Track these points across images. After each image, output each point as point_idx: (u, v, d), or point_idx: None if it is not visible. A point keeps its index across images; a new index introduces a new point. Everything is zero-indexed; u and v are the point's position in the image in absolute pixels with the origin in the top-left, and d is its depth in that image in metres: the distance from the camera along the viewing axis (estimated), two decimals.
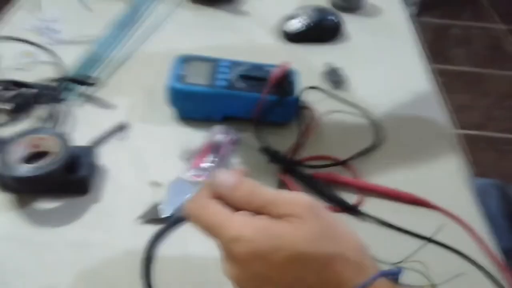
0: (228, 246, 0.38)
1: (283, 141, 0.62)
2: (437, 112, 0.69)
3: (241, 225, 0.38)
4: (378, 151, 0.62)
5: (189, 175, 0.55)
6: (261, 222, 0.37)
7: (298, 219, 0.37)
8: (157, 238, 0.50)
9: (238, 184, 0.39)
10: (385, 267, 0.38)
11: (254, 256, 0.37)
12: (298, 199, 0.38)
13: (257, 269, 0.38)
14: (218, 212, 0.39)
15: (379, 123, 0.65)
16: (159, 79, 0.68)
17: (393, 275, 0.37)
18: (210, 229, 0.39)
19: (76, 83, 0.68)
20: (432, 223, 0.53)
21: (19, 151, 0.54)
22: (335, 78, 0.71)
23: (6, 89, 0.67)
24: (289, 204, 0.37)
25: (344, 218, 0.54)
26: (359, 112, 0.67)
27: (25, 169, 0.51)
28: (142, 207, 0.53)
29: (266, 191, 0.38)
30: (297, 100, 0.62)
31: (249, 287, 0.39)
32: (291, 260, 0.37)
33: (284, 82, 0.61)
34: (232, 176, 0.39)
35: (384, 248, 0.50)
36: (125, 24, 0.81)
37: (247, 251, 0.37)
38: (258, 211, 0.38)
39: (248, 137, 0.61)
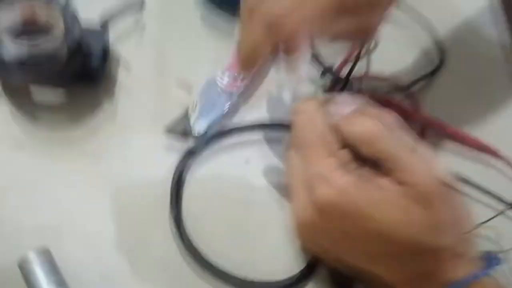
0: (311, 179, 0.30)
1: (334, 54, 0.51)
2: (504, 33, 0.59)
3: (340, 166, 0.29)
4: (440, 77, 0.53)
5: (224, 81, 0.45)
6: (370, 178, 0.29)
7: (423, 199, 0.28)
8: (187, 159, 0.41)
9: (357, 117, 0.31)
10: None
11: (340, 209, 0.29)
12: (433, 174, 0.29)
13: (339, 225, 0.30)
14: (322, 135, 0.31)
15: (442, 42, 0.55)
16: None
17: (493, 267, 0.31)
18: (303, 147, 0.31)
19: None
20: (497, 176, 0.47)
21: (10, 21, 0.40)
22: None
23: None
24: (421, 176, 0.28)
25: None
26: (420, 26, 0.56)
27: (17, 47, 0.38)
28: (168, 114, 0.42)
29: (393, 141, 0.29)
30: None
31: (322, 238, 0.32)
32: (384, 237, 0.29)
33: None
34: (352, 103, 0.31)
35: None
36: None
37: (329, 200, 0.29)
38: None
39: None
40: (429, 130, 0.48)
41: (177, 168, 0.40)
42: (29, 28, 0.41)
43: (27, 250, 0.33)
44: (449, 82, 0.53)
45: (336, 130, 0.31)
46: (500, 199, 0.44)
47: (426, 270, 0.30)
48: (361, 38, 0.36)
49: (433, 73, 0.52)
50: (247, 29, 0.33)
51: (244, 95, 0.45)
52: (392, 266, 0.31)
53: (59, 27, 0.40)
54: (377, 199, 0.29)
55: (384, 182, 0.29)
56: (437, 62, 0.53)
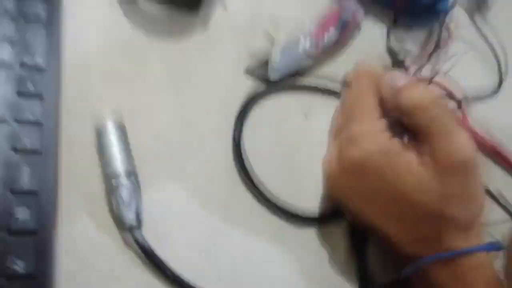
0: (344, 141, 0.34)
1: (412, 46, 0.54)
2: None
3: (372, 134, 0.33)
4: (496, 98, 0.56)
5: (307, 44, 0.49)
6: (395, 147, 0.33)
7: (440, 173, 0.32)
8: (255, 99, 0.45)
9: (404, 91, 0.34)
10: None
11: (362, 170, 0.34)
12: (458, 154, 0.33)
13: (359, 183, 0.35)
14: (369, 105, 0.35)
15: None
16: None
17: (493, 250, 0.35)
18: (348, 112, 0.36)
19: None
20: None
21: None
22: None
23: None
24: (445, 154, 0.32)
25: None
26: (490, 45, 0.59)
27: None
28: (250, 56, 0.47)
29: (430, 115, 0.33)
30: (448, 8, 0.54)
31: (342, 191, 0.36)
32: (398, 199, 0.34)
33: None
34: (404, 78, 0.35)
35: None
36: None
37: (356, 160, 0.34)
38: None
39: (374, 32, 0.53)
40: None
41: (245, 100, 0.44)
42: None
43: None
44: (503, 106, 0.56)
45: (385, 98, 0.35)
46: None
47: (429, 235, 0.34)
48: None
49: (491, 94, 0.56)
50: None
51: (321, 58, 0.49)
52: (401, 227, 0.35)
53: None
54: (400, 171, 0.33)
55: (410, 153, 0.33)
56: (495, 86, 0.57)
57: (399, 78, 0.35)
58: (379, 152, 0.33)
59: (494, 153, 0.51)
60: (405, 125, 0.34)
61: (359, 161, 0.34)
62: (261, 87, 0.46)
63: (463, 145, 0.33)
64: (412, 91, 0.34)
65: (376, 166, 0.33)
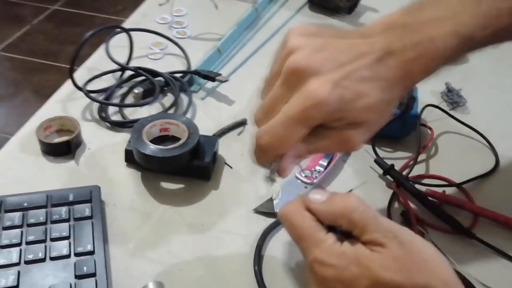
0: (312, 264, 0.39)
1: (396, 155, 0.62)
2: None
3: (328, 249, 0.39)
4: (493, 177, 0.61)
5: (302, 176, 0.57)
6: (347, 249, 0.38)
7: (384, 248, 0.37)
8: (269, 230, 0.52)
9: (328, 200, 0.40)
10: None
11: (336, 281, 0.38)
12: (383, 227, 0.38)
13: None
14: (311, 227, 0.40)
15: (496, 148, 0.64)
16: None
17: None
18: (299, 241, 0.40)
19: (200, 77, 0.73)
20: None
21: (152, 132, 0.58)
22: (454, 99, 0.70)
23: (137, 75, 0.73)
24: (375, 231, 0.38)
25: (456, 241, 0.53)
26: (476, 135, 0.66)
27: (155, 149, 0.55)
28: (256, 199, 0.56)
29: (354, 215, 0.39)
30: (417, 116, 0.62)
31: None
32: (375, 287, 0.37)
33: (405, 96, 0.61)
34: (325, 194, 0.41)
35: (494, 276, 0.50)
36: (248, 25, 0.85)
37: (329, 275, 0.38)
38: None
39: (362, 147, 0.62)
40: (481, 219, 0.55)
41: (262, 235, 0.52)
42: (162, 136, 0.59)
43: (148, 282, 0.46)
44: (500, 181, 0.60)
45: (318, 215, 0.40)
46: None
47: None
48: (345, 151, 0.44)
49: (487, 174, 0.60)
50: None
51: (316, 187, 0.57)
52: None
53: (183, 137, 0.57)
54: (361, 262, 0.37)
55: (360, 248, 0.38)
56: (491, 166, 0.61)
57: (320, 194, 0.41)
58: (342, 259, 0.38)
59: (501, 221, 0.54)
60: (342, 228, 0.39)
61: (334, 276, 0.38)
62: (272, 221, 0.54)
63: (389, 223, 0.38)
64: (342, 197, 0.40)
65: (348, 272, 0.37)
